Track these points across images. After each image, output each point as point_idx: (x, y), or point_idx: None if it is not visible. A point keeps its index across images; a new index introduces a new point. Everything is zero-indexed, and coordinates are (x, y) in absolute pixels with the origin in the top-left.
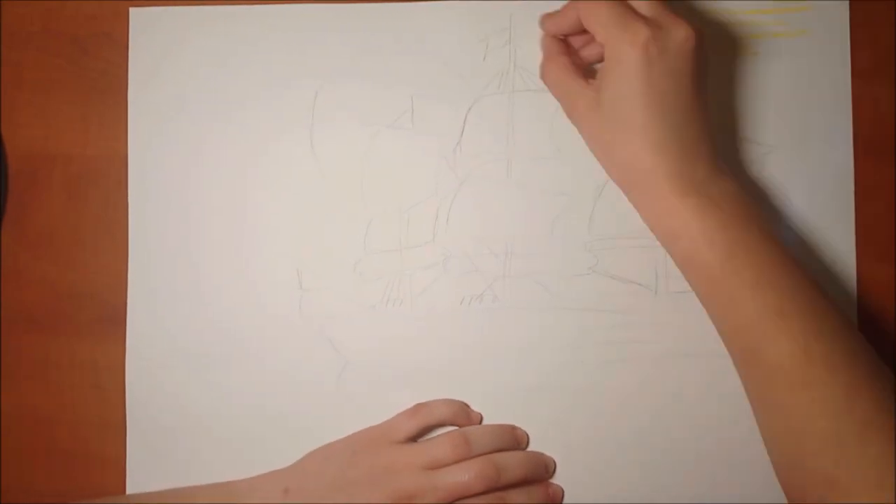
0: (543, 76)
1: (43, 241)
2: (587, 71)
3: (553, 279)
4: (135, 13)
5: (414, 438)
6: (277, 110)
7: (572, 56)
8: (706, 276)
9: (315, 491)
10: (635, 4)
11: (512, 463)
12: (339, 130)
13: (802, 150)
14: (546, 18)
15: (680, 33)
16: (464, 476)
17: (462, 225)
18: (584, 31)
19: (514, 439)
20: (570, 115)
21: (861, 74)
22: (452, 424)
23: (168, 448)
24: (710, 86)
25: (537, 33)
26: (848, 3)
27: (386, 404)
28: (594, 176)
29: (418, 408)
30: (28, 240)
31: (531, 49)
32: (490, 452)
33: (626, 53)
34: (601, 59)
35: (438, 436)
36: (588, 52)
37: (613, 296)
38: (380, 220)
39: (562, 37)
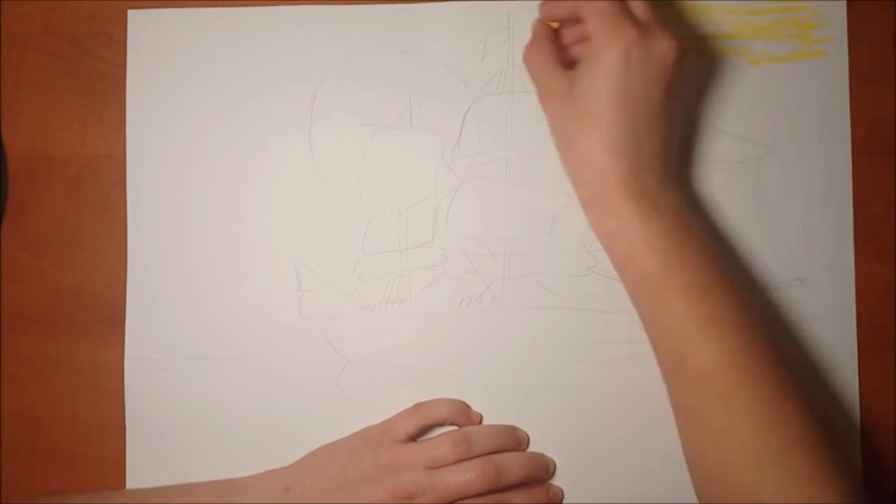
0: (525, 57)
1: (42, 240)
2: (567, 63)
3: (552, 279)
4: (133, 14)
5: (414, 438)
6: (275, 111)
7: (558, 46)
8: (640, 278)
9: (315, 489)
10: (632, 5)
11: (512, 463)
12: (337, 131)
13: (801, 150)
14: (546, 2)
15: (664, 44)
16: (464, 476)
17: (461, 225)
18: (578, 22)
19: (514, 440)
20: (541, 101)
21: (859, 74)
22: (452, 424)
23: (167, 448)
24: (710, 87)
25: None
26: (846, 3)
27: (386, 404)
28: None
29: (418, 407)
30: (27, 240)
31: None
32: (490, 453)
33: (608, 49)
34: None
35: (439, 435)
36: (576, 50)
37: (612, 296)
38: (379, 221)
39: (555, 26)
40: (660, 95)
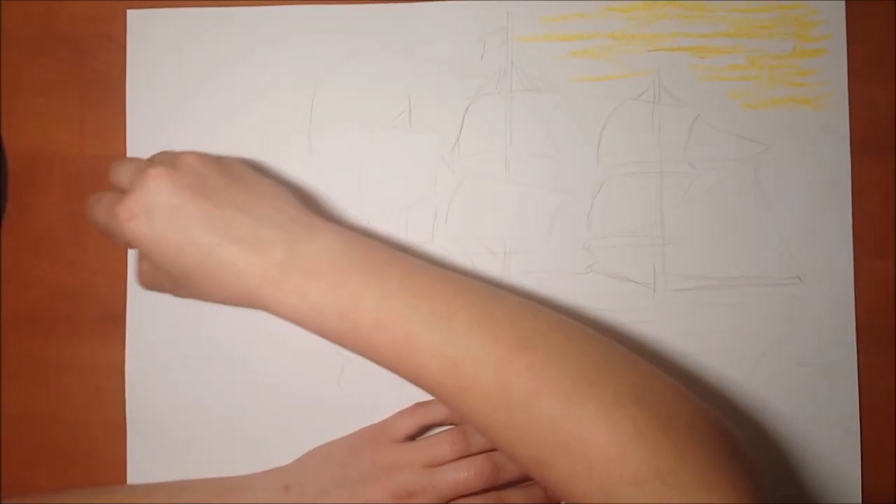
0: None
1: (42, 241)
2: None
3: (551, 278)
4: (132, 15)
5: (413, 437)
6: (275, 111)
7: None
8: (342, 343)
9: (315, 488)
10: (114, 178)
11: (511, 461)
12: (337, 130)
13: (799, 148)
14: None
15: (147, 183)
16: (462, 473)
17: (460, 224)
18: None
19: None
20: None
21: (857, 72)
22: (451, 423)
23: (168, 448)
24: (710, 86)
25: (535, 32)
26: (844, 1)
27: (386, 404)
28: (592, 174)
29: (417, 406)
30: (27, 240)
31: (528, 48)
32: (489, 451)
33: (122, 234)
34: None
35: (437, 433)
36: None
37: (612, 294)
38: (378, 220)
39: None
40: (173, 207)
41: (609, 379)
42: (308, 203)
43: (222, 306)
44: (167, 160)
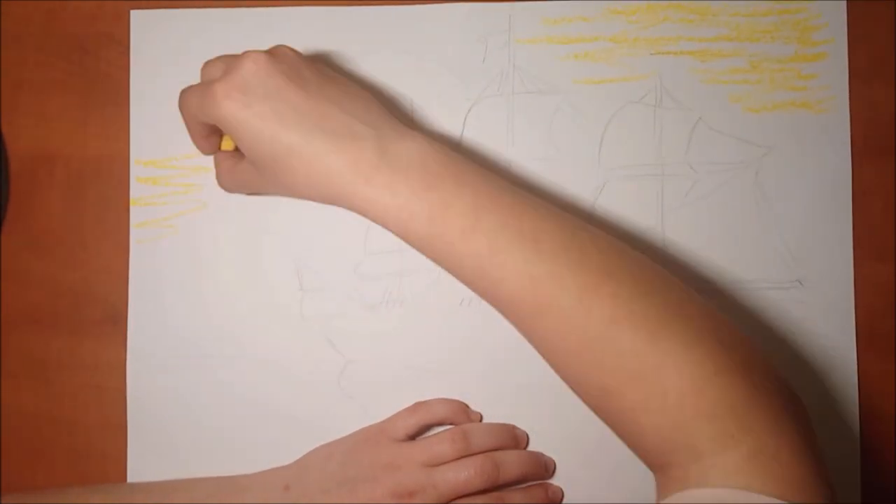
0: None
1: (44, 240)
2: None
3: None
4: (136, 15)
5: (413, 436)
6: None
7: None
8: (424, 248)
9: (315, 488)
10: (206, 73)
11: (511, 461)
12: None
13: (800, 151)
14: None
15: (245, 64)
16: (463, 473)
17: None
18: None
19: (513, 438)
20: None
21: (858, 76)
22: (451, 423)
23: (169, 448)
24: (712, 90)
25: (537, 34)
26: (845, 3)
27: (386, 404)
28: (594, 176)
29: (417, 406)
30: (29, 240)
31: (531, 51)
32: (489, 450)
33: (217, 112)
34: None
35: (438, 433)
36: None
37: None
38: None
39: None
40: (286, 90)
41: (691, 318)
42: (394, 112)
43: (221, 305)
44: (263, 51)
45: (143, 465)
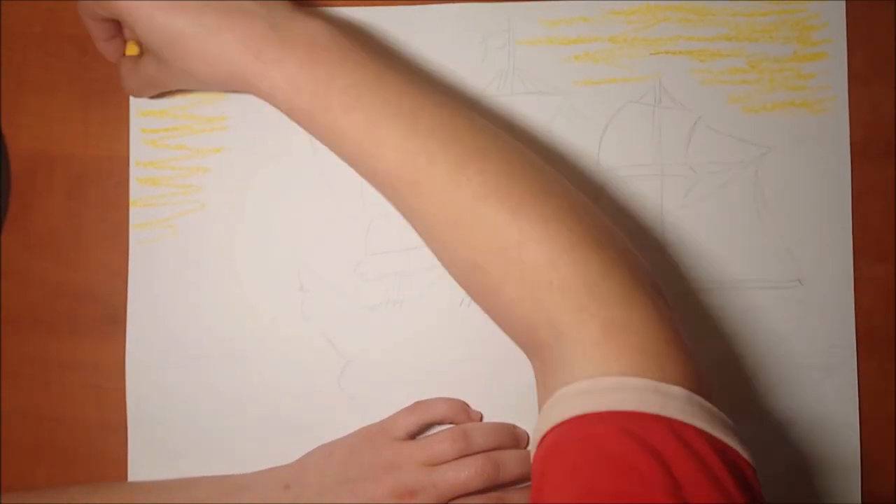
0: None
1: (44, 241)
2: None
3: None
4: None
5: (413, 436)
6: (278, 113)
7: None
8: (307, 121)
9: (315, 487)
10: None
11: (511, 460)
12: None
13: (800, 151)
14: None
15: None
16: (463, 472)
17: None
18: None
19: (513, 438)
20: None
21: (858, 76)
22: (451, 422)
23: (169, 447)
24: (711, 90)
25: (537, 35)
26: (844, 3)
27: (386, 404)
28: (593, 177)
29: (417, 405)
30: (29, 240)
31: (530, 51)
32: (489, 450)
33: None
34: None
35: (438, 432)
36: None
37: None
38: (380, 221)
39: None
40: None
41: (554, 196)
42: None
43: (221, 306)
44: None
45: (142, 464)
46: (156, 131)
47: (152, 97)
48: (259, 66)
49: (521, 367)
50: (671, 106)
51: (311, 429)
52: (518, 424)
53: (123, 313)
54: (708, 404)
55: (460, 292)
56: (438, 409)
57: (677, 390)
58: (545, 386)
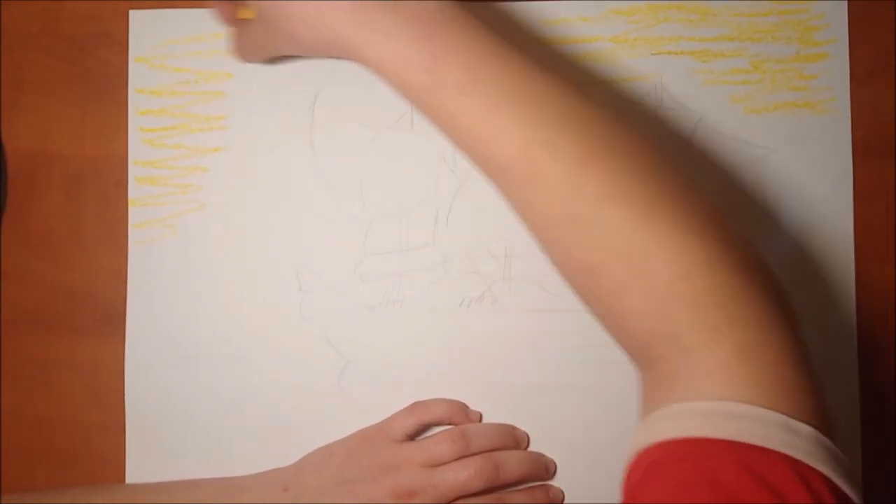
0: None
1: (43, 241)
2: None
3: (553, 281)
4: (134, 15)
5: (412, 437)
6: (277, 112)
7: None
8: (417, 99)
9: (314, 489)
10: None
11: (511, 461)
12: (339, 132)
13: (801, 151)
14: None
15: None
16: (463, 473)
17: (462, 226)
18: None
19: (513, 439)
20: (278, 48)
21: (860, 77)
22: (450, 423)
23: (168, 448)
24: (713, 90)
25: (536, 35)
26: (846, 3)
27: (386, 405)
28: None
29: (415, 406)
30: (28, 240)
31: (530, 51)
32: (489, 451)
33: None
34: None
35: (437, 433)
36: None
37: None
38: (380, 222)
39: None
40: None
41: (688, 203)
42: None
43: (220, 306)
44: None
45: (141, 465)
46: (154, 130)
47: (263, 62)
48: (368, 34)
49: (521, 367)
50: (673, 106)
51: (311, 429)
52: (518, 425)
53: (122, 313)
54: (836, 449)
55: (460, 292)
56: (437, 410)
57: (808, 430)
58: (653, 399)
